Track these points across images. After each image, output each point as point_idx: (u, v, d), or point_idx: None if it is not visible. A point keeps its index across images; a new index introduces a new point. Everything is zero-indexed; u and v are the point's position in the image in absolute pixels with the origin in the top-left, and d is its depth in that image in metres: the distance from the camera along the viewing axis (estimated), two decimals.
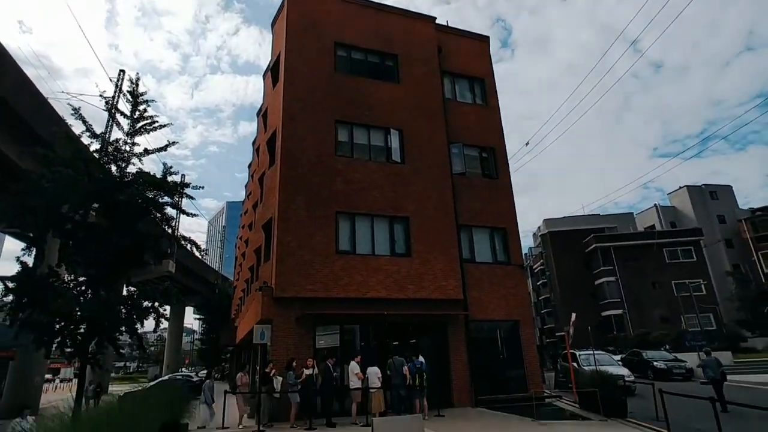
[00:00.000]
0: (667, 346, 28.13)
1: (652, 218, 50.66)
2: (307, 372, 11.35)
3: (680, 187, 50.12)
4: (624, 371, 17.22)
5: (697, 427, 10.02)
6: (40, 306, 10.42)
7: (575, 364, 18.15)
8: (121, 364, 78.30)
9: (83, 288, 11.87)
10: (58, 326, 10.88)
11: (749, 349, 33.25)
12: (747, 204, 49.12)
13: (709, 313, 37.52)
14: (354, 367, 11.57)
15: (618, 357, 22.94)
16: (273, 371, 11.79)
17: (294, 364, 11.84)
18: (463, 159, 17.67)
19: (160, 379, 26.34)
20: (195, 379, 26.42)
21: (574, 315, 15.43)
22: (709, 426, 10.22)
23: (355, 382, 11.37)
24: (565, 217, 52.50)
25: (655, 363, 22.67)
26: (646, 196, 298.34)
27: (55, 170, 11.00)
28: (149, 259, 13.00)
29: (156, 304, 12.35)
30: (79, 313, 10.91)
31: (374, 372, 11.50)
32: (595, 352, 17.54)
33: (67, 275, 12.21)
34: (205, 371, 31.86)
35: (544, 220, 52.25)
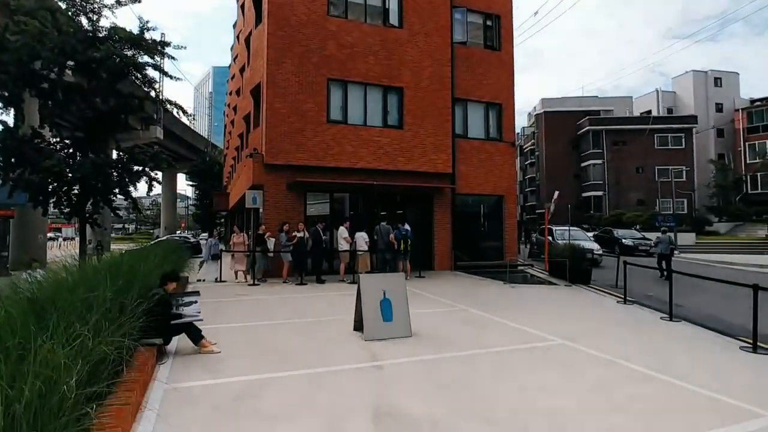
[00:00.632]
0: (638, 226, 29.97)
1: (651, 103, 49.56)
2: (298, 234, 12.05)
3: (686, 72, 48.14)
4: (594, 246, 18.61)
5: (648, 293, 11.28)
6: (30, 165, 10.46)
7: (550, 238, 19.52)
8: (120, 225, 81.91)
9: (71, 150, 11.83)
10: (51, 187, 11.08)
11: (712, 232, 35.74)
12: (750, 94, 47.51)
13: (684, 198, 39.21)
14: (342, 231, 12.27)
15: (591, 234, 24.52)
16: (267, 233, 12.48)
17: (286, 227, 12.50)
18: (465, 26, 16.45)
19: (160, 238, 27.81)
20: (192, 240, 27.99)
21: (557, 193, 16.04)
22: (657, 291, 11.57)
23: (343, 245, 12.19)
24: (563, 97, 51.03)
25: (623, 240, 24.44)
26: (651, 81, 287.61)
27: (19, 20, 10.16)
28: (135, 123, 12.75)
29: (146, 168, 12.48)
30: (70, 175, 11.04)
31: (362, 236, 12.26)
32: (570, 228, 18.65)
33: (52, 137, 12.07)
34: (204, 234, 33.56)
35: (542, 99, 50.80)
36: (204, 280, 12.70)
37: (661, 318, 7.95)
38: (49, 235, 35.98)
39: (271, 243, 12.47)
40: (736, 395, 4.29)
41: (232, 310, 8.31)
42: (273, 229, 12.85)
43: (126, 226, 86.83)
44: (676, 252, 17.76)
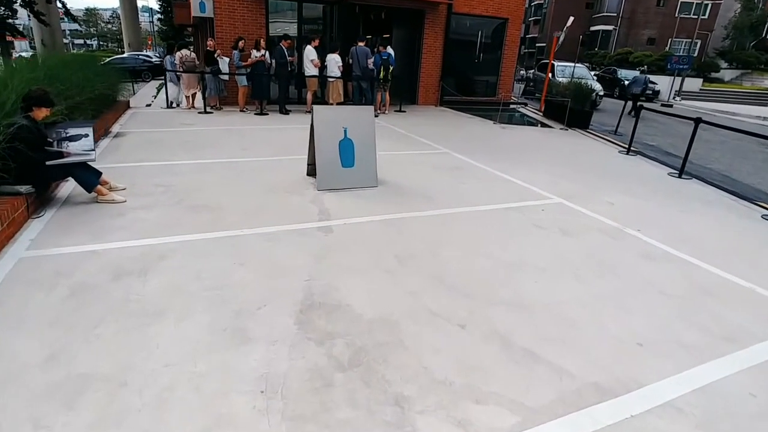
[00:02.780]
0: (645, 67, 27.35)
1: None
2: (256, 54, 9.85)
3: None
4: (598, 86, 16.68)
5: (651, 143, 10.07)
6: None
7: (550, 75, 17.41)
8: (81, 41, 73.82)
9: None
10: None
11: (716, 80, 33.31)
12: None
13: (699, 39, 35.45)
14: (310, 52, 10.06)
15: (593, 73, 22.18)
16: (217, 51, 10.19)
17: (241, 44, 10.18)
18: None
19: (111, 58, 24.06)
20: (154, 59, 24.49)
21: (571, 18, 13.40)
22: (660, 141, 10.38)
23: (310, 69, 10.13)
24: None
25: (626, 82, 22.30)
26: None
27: None
28: None
29: None
30: None
31: (334, 59, 10.13)
32: (576, 65, 16.39)
33: None
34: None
35: None
36: (149, 105, 10.83)
37: (669, 174, 6.87)
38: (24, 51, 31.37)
39: (224, 63, 10.29)
40: None
41: (167, 143, 6.83)
42: (227, 47, 10.52)
43: (88, 42, 78.03)
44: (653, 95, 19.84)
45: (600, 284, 3.26)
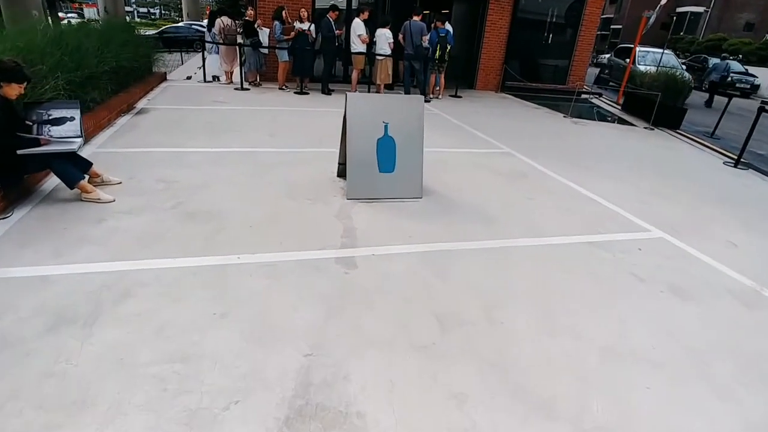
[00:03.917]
0: (740, 56, 24.04)
1: None
2: (298, 26, 8.91)
3: None
4: (687, 76, 14.48)
5: (759, 151, 8.29)
6: None
7: (626, 62, 15.36)
8: (145, 10, 76.42)
9: None
10: None
11: None
12: None
13: None
14: (358, 26, 8.98)
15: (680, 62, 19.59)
16: (257, 22, 9.33)
17: (284, 13, 9.25)
18: None
19: (165, 27, 23.94)
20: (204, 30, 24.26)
21: None
22: None
23: (357, 46, 9.07)
24: None
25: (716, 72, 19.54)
26: None
27: None
28: None
29: None
30: None
31: (384, 35, 9.01)
32: (664, 51, 14.25)
33: None
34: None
35: None
36: (190, 78, 10.21)
37: None
38: (71, 15, 32.37)
39: (264, 35, 9.43)
40: None
41: (189, 124, 6.08)
42: (268, 18, 9.64)
43: (151, 10, 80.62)
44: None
45: (755, 404, 2.11)
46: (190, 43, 21.79)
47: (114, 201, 3.54)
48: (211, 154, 4.88)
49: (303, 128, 6.40)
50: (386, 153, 3.98)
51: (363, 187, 3.97)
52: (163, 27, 22.76)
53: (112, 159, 4.47)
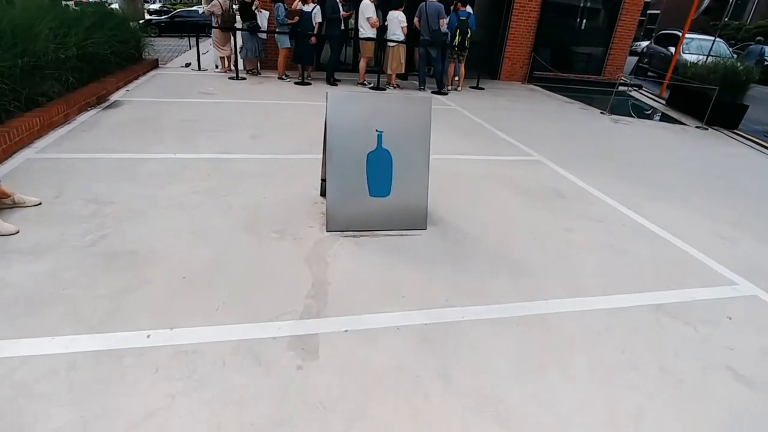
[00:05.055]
0: (762, 38, 21.96)
1: None
2: (302, 8, 7.92)
3: None
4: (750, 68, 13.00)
5: None
6: None
7: (669, 50, 13.89)
8: None
9: None
10: None
11: None
12: None
13: None
14: (366, 7, 7.93)
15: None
16: (255, 3, 8.36)
17: None
18: None
19: (177, 11, 23.15)
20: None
21: None
22: None
23: (366, 30, 8.04)
24: None
25: None
26: None
27: None
28: None
29: None
30: None
31: (397, 18, 7.95)
32: (716, 39, 12.71)
33: None
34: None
35: None
36: (189, 65, 9.34)
37: None
38: None
39: (263, 18, 8.49)
40: None
41: (160, 122, 5.20)
42: None
43: None
44: None
45: None
46: (203, 28, 21.04)
47: (17, 233, 2.68)
48: (172, 162, 3.99)
49: (295, 127, 5.45)
50: (379, 171, 3.01)
51: (347, 217, 3.02)
52: (175, 11, 22.00)
53: (46, 168, 3.63)
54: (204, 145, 4.51)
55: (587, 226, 3.48)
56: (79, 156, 3.95)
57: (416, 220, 3.14)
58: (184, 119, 5.36)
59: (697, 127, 7.90)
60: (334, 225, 3.01)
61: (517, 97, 9.07)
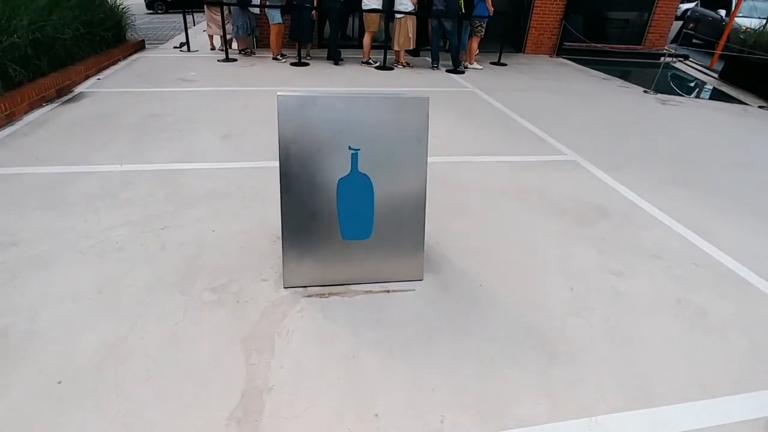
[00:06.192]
0: None
1: None
2: None
3: None
4: None
5: None
6: None
7: (723, 13, 12.27)
8: None
9: None
10: None
11: None
12: None
13: None
14: None
15: None
16: None
17: None
18: None
19: None
20: None
21: None
22: None
23: (370, 1, 7.00)
24: None
25: None
26: None
27: None
28: None
29: None
30: None
31: None
32: None
33: None
34: None
35: None
36: (183, 44, 8.48)
37: None
38: None
39: None
40: None
41: (117, 121, 4.42)
42: None
43: None
44: None
45: None
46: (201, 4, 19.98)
47: None
48: (113, 178, 3.23)
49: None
50: (355, 205, 2.17)
51: (311, 268, 2.20)
52: None
53: None
54: (161, 150, 3.73)
55: (643, 266, 2.58)
56: (1, 172, 3.23)
57: (408, 269, 2.30)
58: (150, 114, 4.58)
59: (760, 107, 6.67)
60: (292, 279, 2.20)
61: (545, 74, 7.93)
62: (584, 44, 9.49)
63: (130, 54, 7.39)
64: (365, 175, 2.14)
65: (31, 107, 4.52)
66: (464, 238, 2.72)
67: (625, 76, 8.01)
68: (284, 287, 2.20)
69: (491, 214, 3.05)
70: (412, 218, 2.25)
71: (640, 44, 10.14)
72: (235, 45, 7.87)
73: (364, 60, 7.53)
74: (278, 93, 2.01)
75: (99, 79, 5.88)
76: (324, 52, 7.86)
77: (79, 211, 2.77)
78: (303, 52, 7.46)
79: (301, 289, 2.20)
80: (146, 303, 2.07)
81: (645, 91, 6.96)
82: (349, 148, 2.10)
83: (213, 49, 7.99)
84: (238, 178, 3.30)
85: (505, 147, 4.31)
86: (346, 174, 2.13)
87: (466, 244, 2.66)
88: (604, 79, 7.80)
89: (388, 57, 7.36)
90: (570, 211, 3.14)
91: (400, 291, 2.24)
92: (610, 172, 3.80)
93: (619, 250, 2.72)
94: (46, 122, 4.24)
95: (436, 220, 2.78)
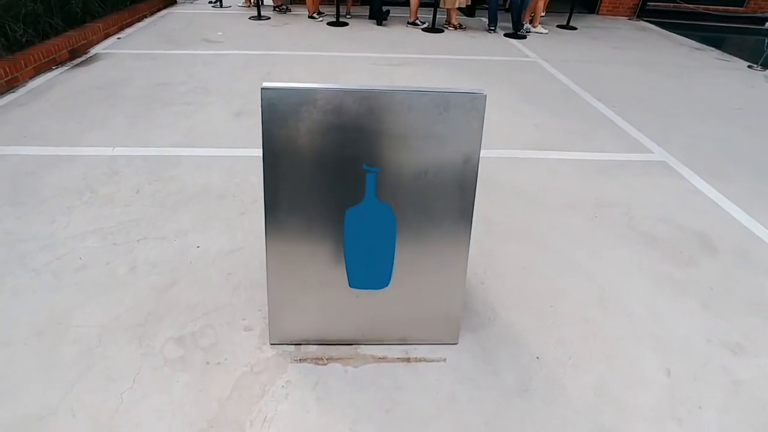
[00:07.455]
0: None
1: None
2: None
3: None
4: None
5: None
6: None
7: None
8: None
9: None
10: None
11: None
12: None
13: None
14: None
15: None
16: None
17: None
18: None
19: None
20: None
21: None
22: None
23: None
24: None
25: None
26: None
27: None
28: None
29: None
30: None
31: None
32: None
33: None
34: None
35: None
36: (216, 0, 7.90)
37: None
38: None
39: None
40: None
41: (131, 89, 3.95)
42: None
43: None
44: None
45: None
46: None
47: None
48: (99, 164, 2.76)
49: None
50: (370, 243, 1.55)
51: (306, 320, 1.64)
52: None
53: None
54: (161, 129, 3.22)
55: None
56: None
57: (438, 329, 1.69)
58: (161, 82, 4.07)
59: None
60: (281, 334, 1.65)
61: (624, 42, 6.74)
62: (672, 4, 8.05)
63: (159, 9, 6.87)
64: (386, 204, 1.51)
65: (38, 71, 4.12)
66: (518, 276, 2.06)
67: (722, 45, 6.69)
68: (270, 343, 1.66)
69: (555, 239, 2.34)
70: (449, 264, 1.61)
71: (742, 5, 8.51)
72: (269, 0, 7.18)
73: (410, 20, 6.64)
74: (263, 85, 1.38)
75: (119, 38, 5.42)
76: (366, 10, 7.03)
77: (49, 209, 2.32)
78: (342, 10, 6.68)
79: (293, 347, 1.65)
80: (93, 356, 1.59)
81: (750, 66, 5.72)
82: (364, 166, 1.46)
83: (248, 5, 7.33)
84: (241, 171, 2.74)
85: (574, 139, 3.49)
86: (359, 201, 1.50)
87: (519, 286, 2.00)
88: (696, 48, 6.52)
89: (436, 19, 6.44)
90: (662, 240, 2.37)
91: (424, 360, 1.64)
92: (713, 182, 2.94)
93: (733, 308, 1.97)
94: (48, 90, 3.83)
95: (481, 244, 2.14)
